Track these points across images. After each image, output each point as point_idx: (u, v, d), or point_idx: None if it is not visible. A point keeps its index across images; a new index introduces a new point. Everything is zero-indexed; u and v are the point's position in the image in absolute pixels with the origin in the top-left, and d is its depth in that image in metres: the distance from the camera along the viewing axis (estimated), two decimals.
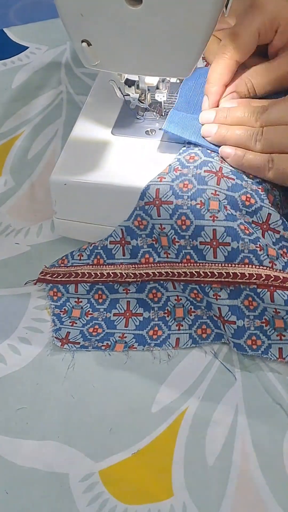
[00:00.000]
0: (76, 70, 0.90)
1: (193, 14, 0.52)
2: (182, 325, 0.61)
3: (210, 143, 0.61)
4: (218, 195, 0.57)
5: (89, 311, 0.63)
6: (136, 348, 0.60)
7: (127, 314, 0.62)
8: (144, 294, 0.62)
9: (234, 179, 0.59)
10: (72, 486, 0.52)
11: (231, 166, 0.60)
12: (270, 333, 0.58)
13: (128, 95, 0.65)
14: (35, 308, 0.64)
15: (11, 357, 0.60)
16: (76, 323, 0.62)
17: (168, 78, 0.64)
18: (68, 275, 0.64)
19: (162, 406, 0.57)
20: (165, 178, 0.59)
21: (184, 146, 0.62)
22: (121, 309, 0.63)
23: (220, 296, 0.58)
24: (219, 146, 0.61)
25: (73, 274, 0.63)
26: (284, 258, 0.58)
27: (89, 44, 0.57)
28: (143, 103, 0.65)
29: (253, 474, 0.52)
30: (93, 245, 0.64)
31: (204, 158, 0.60)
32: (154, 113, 0.67)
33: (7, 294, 0.65)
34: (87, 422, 0.56)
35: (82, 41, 0.57)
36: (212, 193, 0.57)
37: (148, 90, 0.65)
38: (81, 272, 0.63)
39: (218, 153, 0.61)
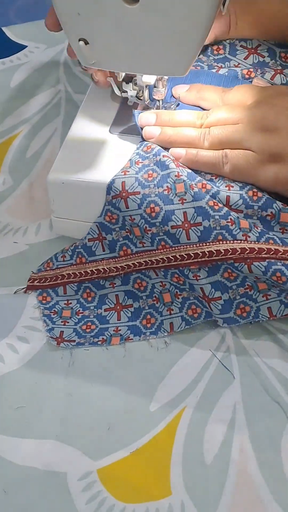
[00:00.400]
0: (75, 68, 0.90)
1: (189, 12, 0.52)
2: (173, 309, 0.62)
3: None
4: (181, 175, 0.58)
5: (79, 310, 0.63)
6: (132, 339, 0.61)
7: (118, 307, 0.63)
8: (130, 285, 0.63)
9: (189, 170, 0.60)
10: (70, 484, 0.52)
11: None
12: (255, 296, 0.59)
13: (126, 92, 0.65)
14: (33, 307, 0.64)
15: (9, 356, 0.60)
16: (68, 322, 0.62)
17: (165, 76, 0.64)
18: (55, 278, 0.64)
19: (160, 405, 0.57)
20: (128, 171, 0.61)
21: (140, 141, 0.64)
22: (111, 304, 0.63)
23: (199, 276, 0.59)
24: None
25: (59, 276, 0.64)
26: (256, 229, 0.58)
27: (86, 43, 0.57)
28: (140, 100, 0.65)
29: (251, 472, 0.52)
30: (74, 245, 0.65)
31: (159, 147, 0.62)
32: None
33: (5, 293, 0.65)
34: (86, 420, 0.56)
35: (79, 40, 0.57)
36: (175, 176, 0.58)
37: (146, 87, 0.65)
38: (66, 274, 0.64)
39: None
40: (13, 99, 0.86)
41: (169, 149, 0.62)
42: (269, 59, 0.70)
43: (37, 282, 0.65)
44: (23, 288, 0.65)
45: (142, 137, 0.64)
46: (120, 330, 0.62)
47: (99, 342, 0.61)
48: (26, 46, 0.94)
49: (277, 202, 0.59)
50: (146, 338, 0.61)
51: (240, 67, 0.69)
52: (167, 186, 0.58)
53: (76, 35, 0.57)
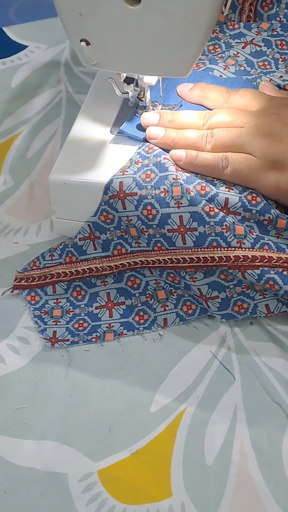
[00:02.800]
0: (76, 69, 0.90)
1: (191, 13, 0.52)
2: (168, 305, 0.62)
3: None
4: (179, 179, 0.58)
5: (70, 309, 0.63)
6: (126, 334, 0.61)
7: (109, 305, 0.63)
8: (123, 282, 0.63)
9: (189, 173, 0.60)
10: (70, 486, 0.52)
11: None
12: (253, 294, 0.59)
13: (127, 93, 0.65)
14: (23, 308, 0.64)
15: (10, 356, 0.60)
16: (59, 322, 0.62)
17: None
18: (43, 277, 0.64)
19: (161, 406, 0.57)
20: (127, 171, 0.61)
21: (142, 142, 0.64)
22: (102, 302, 0.63)
23: (196, 278, 0.59)
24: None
25: (48, 275, 0.64)
26: (252, 234, 0.59)
27: (88, 44, 0.57)
28: (142, 101, 0.65)
29: (252, 474, 0.52)
30: (63, 244, 0.64)
31: (161, 149, 0.62)
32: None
33: (6, 293, 0.65)
34: (86, 421, 0.56)
35: (81, 40, 0.57)
36: (173, 179, 0.58)
37: (147, 88, 0.65)
38: (56, 273, 0.64)
39: None
40: (13, 99, 0.86)
41: (170, 151, 0.62)
42: (265, 48, 0.71)
43: (24, 282, 0.64)
44: (9, 289, 0.65)
45: (143, 139, 0.64)
46: (113, 326, 0.62)
47: (93, 339, 0.61)
48: (26, 46, 0.94)
49: (275, 209, 0.59)
50: (140, 333, 0.61)
51: (239, 56, 0.70)
52: (164, 189, 0.58)
53: (78, 35, 0.57)
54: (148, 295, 0.63)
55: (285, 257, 0.57)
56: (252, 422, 0.55)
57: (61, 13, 0.56)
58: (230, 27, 0.73)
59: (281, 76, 0.68)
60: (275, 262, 0.57)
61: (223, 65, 0.69)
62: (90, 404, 0.57)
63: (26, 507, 0.51)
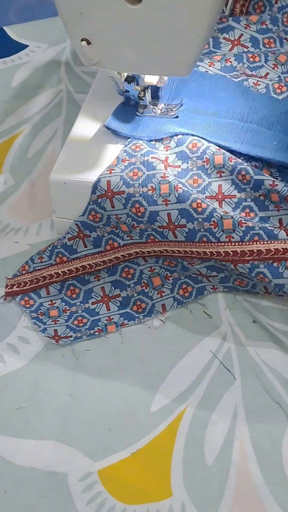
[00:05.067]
0: (76, 68, 0.90)
1: (192, 12, 0.52)
2: (164, 291, 0.63)
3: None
4: (168, 177, 0.59)
5: (65, 308, 0.63)
6: (127, 324, 0.62)
7: (105, 299, 0.63)
8: (117, 274, 0.63)
9: (179, 166, 0.61)
10: (71, 485, 0.52)
11: (175, 152, 0.62)
12: (250, 276, 0.60)
13: (128, 92, 0.65)
14: (17, 315, 0.64)
15: (10, 356, 0.60)
16: (58, 321, 0.62)
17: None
18: (35, 280, 0.64)
19: (161, 406, 0.57)
20: (114, 169, 0.61)
21: (129, 138, 0.64)
22: (97, 297, 0.63)
23: (194, 264, 0.61)
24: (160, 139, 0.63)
25: (41, 278, 0.64)
26: (248, 217, 0.59)
27: (88, 43, 0.57)
28: (142, 100, 0.65)
29: (252, 473, 0.52)
30: (51, 245, 0.65)
31: (148, 148, 0.62)
32: (154, 110, 0.66)
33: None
34: (86, 421, 0.56)
35: (82, 40, 0.57)
36: (161, 177, 0.59)
37: (148, 87, 0.65)
38: (48, 275, 0.64)
39: (161, 141, 0.63)
40: (14, 99, 0.86)
41: (158, 151, 0.62)
42: (253, 48, 0.70)
43: (16, 287, 0.64)
44: (2, 296, 0.64)
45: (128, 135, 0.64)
46: (113, 318, 0.62)
47: (96, 333, 0.61)
48: (27, 46, 0.94)
49: (265, 182, 0.59)
50: (141, 322, 0.62)
51: (225, 55, 0.69)
52: (152, 186, 0.59)
53: (79, 35, 0.57)
54: (143, 284, 0.63)
55: (274, 249, 0.57)
56: (252, 422, 0.55)
57: (62, 13, 0.56)
58: (218, 21, 0.72)
59: (267, 74, 0.68)
60: (264, 255, 0.57)
61: (209, 62, 0.69)
62: (90, 404, 0.57)
63: (26, 506, 0.51)
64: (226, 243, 0.58)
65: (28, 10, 1.04)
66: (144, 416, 0.56)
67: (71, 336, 0.61)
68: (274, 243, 0.57)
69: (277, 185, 0.58)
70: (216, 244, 0.58)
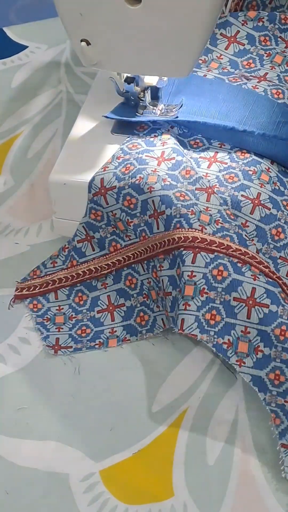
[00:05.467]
0: (76, 69, 0.90)
1: (192, 13, 0.52)
2: (159, 307, 0.61)
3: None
4: (158, 171, 0.59)
5: (72, 315, 0.63)
6: (129, 339, 0.61)
7: (110, 308, 0.63)
8: (122, 282, 0.63)
9: (174, 158, 0.61)
10: (72, 486, 0.52)
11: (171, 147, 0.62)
12: (179, 302, 0.56)
13: (128, 92, 0.65)
14: (25, 317, 0.64)
15: (11, 357, 0.60)
16: (62, 328, 0.62)
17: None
18: (45, 284, 0.64)
19: (162, 406, 0.57)
20: (108, 167, 0.61)
21: (128, 137, 0.64)
22: (103, 305, 0.63)
23: (163, 267, 0.58)
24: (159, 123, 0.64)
25: (50, 282, 0.64)
26: (232, 217, 0.58)
27: (88, 44, 0.57)
28: (142, 100, 0.65)
29: (253, 473, 0.52)
30: (66, 249, 0.65)
31: (145, 147, 0.62)
32: (154, 110, 0.66)
33: (7, 294, 0.65)
34: (87, 422, 0.56)
35: (81, 41, 0.57)
36: (152, 170, 0.59)
37: (148, 88, 0.65)
38: (57, 279, 0.64)
39: (161, 127, 0.64)
40: (14, 100, 0.86)
41: (154, 150, 0.62)
42: (249, 46, 0.70)
43: (25, 291, 0.64)
44: (11, 299, 0.64)
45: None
46: (116, 331, 0.62)
47: (96, 346, 0.61)
48: (27, 47, 0.94)
49: (264, 162, 0.60)
50: (144, 337, 0.61)
51: (222, 58, 0.70)
52: (140, 177, 0.59)
53: (78, 35, 0.57)
54: (144, 295, 0.63)
55: (245, 251, 0.56)
56: (254, 422, 0.55)
57: (62, 13, 0.56)
58: None
59: (266, 74, 0.68)
60: (232, 251, 0.56)
61: (206, 69, 0.69)
62: (91, 404, 0.57)
63: (27, 507, 0.51)
64: (197, 230, 0.56)
65: (28, 11, 1.04)
66: (145, 416, 0.56)
67: (71, 347, 0.61)
68: (245, 248, 0.56)
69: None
70: (187, 229, 0.56)
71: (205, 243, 0.56)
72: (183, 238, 0.56)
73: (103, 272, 0.63)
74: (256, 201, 0.59)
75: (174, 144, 0.63)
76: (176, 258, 0.57)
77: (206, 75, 0.68)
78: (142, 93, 0.65)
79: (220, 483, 0.52)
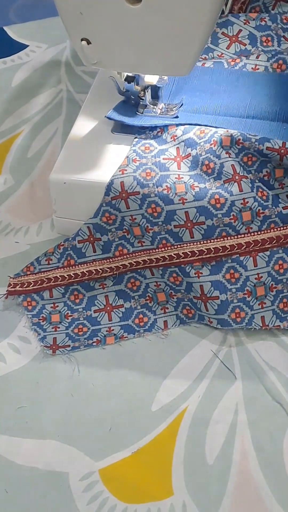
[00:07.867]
0: (76, 68, 0.90)
1: (192, 12, 0.52)
2: (168, 308, 0.62)
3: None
4: (182, 177, 0.59)
5: (68, 313, 0.63)
6: (127, 337, 0.61)
7: (108, 308, 0.63)
8: (123, 284, 0.63)
9: (190, 154, 0.61)
10: (72, 485, 0.52)
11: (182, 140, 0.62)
12: (252, 303, 0.60)
13: (128, 91, 0.65)
14: (19, 315, 0.64)
15: (11, 355, 0.60)
16: (59, 328, 0.62)
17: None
18: (39, 282, 0.63)
19: (162, 405, 0.57)
20: (126, 170, 0.61)
21: (136, 138, 0.64)
22: (100, 305, 0.63)
23: (202, 274, 0.59)
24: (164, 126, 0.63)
25: (45, 280, 0.63)
26: (264, 197, 0.59)
27: (88, 43, 0.57)
28: (142, 99, 0.65)
29: (253, 473, 0.52)
30: (62, 247, 0.64)
31: (159, 148, 0.62)
32: (154, 110, 0.67)
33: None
34: (87, 421, 0.56)
35: (82, 40, 0.57)
36: (176, 178, 0.59)
37: (148, 87, 0.65)
38: (53, 277, 0.63)
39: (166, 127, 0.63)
40: (14, 99, 0.86)
41: (168, 149, 0.62)
42: (250, 46, 0.70)
43: (19, 287, 0.64)
44: (4, 295, 0.64)
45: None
46: (113, 330, 0.62)
47: (94, 344, 0.61)
48: (27, 46, 0.94)
49: (272, 162, 0.59)
50: (141, 335, 0.61)
51: (223, 57, 0.70)
52: (167, 186, 0.59)
53: (79, 35, 0.57)
54: (147, 298, 0.62)
55: None
56: (253, 421, 0.55)
57: (62, 13, 0.56)
58: None
59: (258, 56, 0.68)
60: (283, 241, 0.58)
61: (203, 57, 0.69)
62: (91, 403, 0.57)
63: (27, 506, 0.51)
64: (245, 235, 0.58)
65: (28, 10, 1.04)
66: (145, 415, 0.56)
67: (69, 346, 0.61)
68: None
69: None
70: (236, 237, 0.58)
71: (259, 245, 0.58)
72: (236, 246, 0.58)
73: (103, 275, 0.62)
74: None
75: (183, 134, 0.62)
76: (222, 264, 0.59)
77: (205, 64, 0.68)
78: (142, 92, 0.65)
79: (219, 482, 0.52)
